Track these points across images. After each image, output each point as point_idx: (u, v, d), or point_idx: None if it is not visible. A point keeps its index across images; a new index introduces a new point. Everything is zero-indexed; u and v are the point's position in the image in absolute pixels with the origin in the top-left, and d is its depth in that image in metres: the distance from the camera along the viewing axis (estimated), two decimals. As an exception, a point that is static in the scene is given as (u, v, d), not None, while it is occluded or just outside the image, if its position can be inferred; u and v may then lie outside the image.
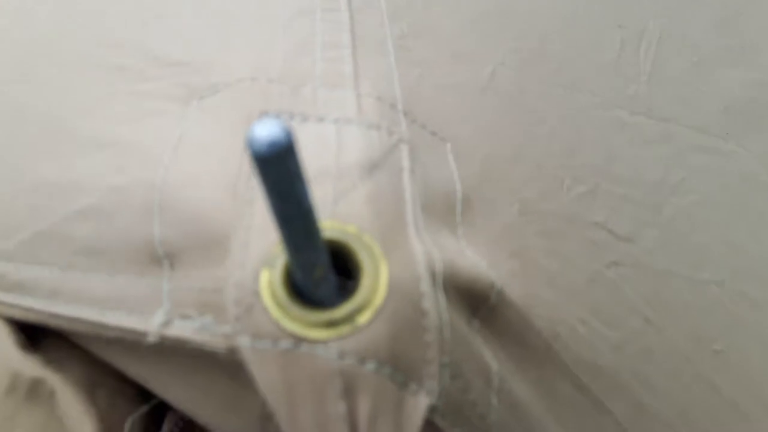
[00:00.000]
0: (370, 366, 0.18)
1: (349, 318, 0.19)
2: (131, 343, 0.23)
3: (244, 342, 0.19)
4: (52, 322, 0.24)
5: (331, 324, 0.19)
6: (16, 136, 0.29)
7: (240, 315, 0.19)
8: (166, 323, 0.21)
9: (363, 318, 0.19)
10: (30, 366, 0.25)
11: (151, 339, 0.21)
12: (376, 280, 0.19)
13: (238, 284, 0.19)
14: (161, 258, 0.22)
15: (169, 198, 0.22)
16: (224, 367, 0.22)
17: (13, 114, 0.29)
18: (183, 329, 0.21)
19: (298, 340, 0.18)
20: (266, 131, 0.15)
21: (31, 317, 0.25)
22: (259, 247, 0.20)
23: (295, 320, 0.19)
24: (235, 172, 0.22)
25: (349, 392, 0.18)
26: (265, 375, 0.19)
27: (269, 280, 0.19)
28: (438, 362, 0.19)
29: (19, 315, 0.25)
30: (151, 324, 0.21)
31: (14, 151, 0.28)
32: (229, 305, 0.19)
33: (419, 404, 0.19)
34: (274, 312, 0.19)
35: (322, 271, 0.18)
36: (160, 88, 0.28)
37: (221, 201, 0.22)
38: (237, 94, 0.26)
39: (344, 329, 0.18)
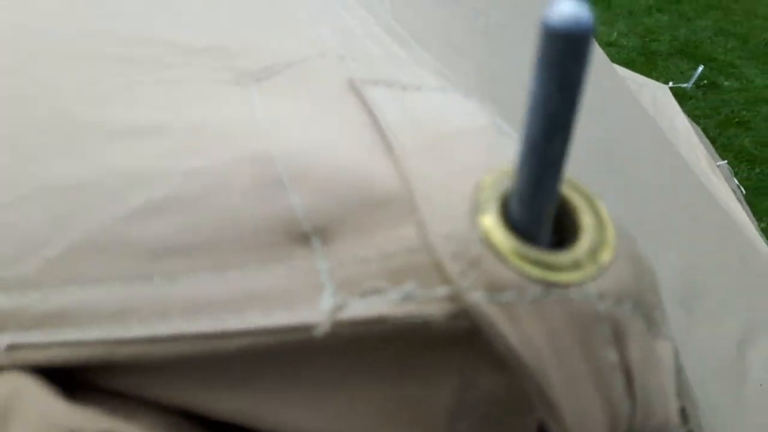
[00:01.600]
0: (627, 307, 0.16)
1: (592, 257, 0.16)
2: (241, 364, 0.18)
3: (478, 298, 0.15)
4: (122, 352, 0.18)
5: (577, 265, 0.16)
6: (17, 136, 0.22)
7: (465, 269, 0.16)
8: (340, 306, 0.17)
9: (605, 256, 0.16)
10: (86, 419, 0.19)
11: (321, 330, 0.17)
12: (599, 218, 0.17)
13: (450, 236, 0.16)
14: (308, 234, 0.18)
15: (300, 167, 0.18)
16: (398, 361, 0.18)
17: (10, 110, 0.23)
18: (371, 307, 0.16)
19: (548, 285, 0.16)
20: (567, 11, 0.13)
21: (76, 355, 0.19)
22: (461, 194, 0.17)
23: (535, 264, 0.16)
24: (369, 136, 0.19)
25: (618, 337, 0.16)
26: (517, 330, 0.15)
27: (488, 226, 0.16)
28: (662, 304, 0.17)
29: (56, 356, 0.19)
30: (316, 312, 0.17)
31: (16, 152, 0.22)
32: (446, 261, 0.16)
33: (668, 348, 0.17)
34: (512, 258, 0.16)
35: (554, 205, 0.16)
36: (193, 74, 0.24)
37: (373, 162, 0.18)
38: (308, 71, 0.23)
39: (590, 269, 0.16)
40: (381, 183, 0.18)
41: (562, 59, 0.13)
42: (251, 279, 0.18)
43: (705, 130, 2.01)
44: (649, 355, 0.16)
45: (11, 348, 0.19)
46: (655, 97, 1.70)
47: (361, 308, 0.17)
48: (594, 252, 0.16)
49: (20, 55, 0.25)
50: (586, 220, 0.17)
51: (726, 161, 1.63)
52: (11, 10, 0.28)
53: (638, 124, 0.85)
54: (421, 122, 0.19)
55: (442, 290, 0.16)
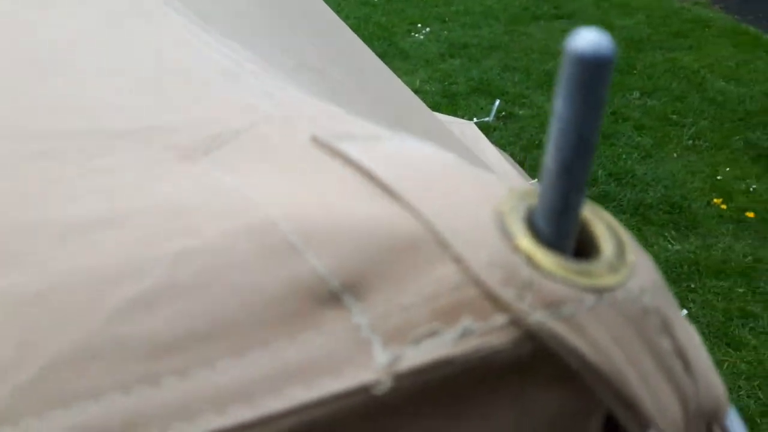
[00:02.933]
0: (662, 295, 0.17)
1: (621, 259, 0.17)
2: None
3: (541, 318, 0.16)
4: None
5: (613, 268, 0.17)
6: None
7: (519, 293, 0.16)
8: (397, 357, 0.16)
9: (630, 256, 0.17)
10: None
11: (382, 387, 0.16)
12: (608, 225, 0.18)
13: (493, 264, 0.16)
14: (337, 292, 0.17)
15: (309, 227, 0.17)
16: (454, 404, 0.17)
17: None
18: (431, 351, 0.16)
19: (598, 291, 0.16)
20: (592, 38, 0.14)
21: None
22: (485, 223, 0.17)
23: (580, 275, 0.16)
24: (363, 187, 0.19)
25: (666, 325, 0.16)
26: (586, 340, 0.16)
27: (527, 247, 0.16)
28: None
29: None
30: (371, 370, 0.16)
31: None
32: (497, 289, 0.16)
33: (692, 326, 0.18)
34: (561, 273, 0.16)
35: (579, 219, 0.17)
36: (129, 159, 0.22)
37: (382, 210, 0.18)
38: (261, 135, 0.22)
39: (624, 270, 0.17)
40: (400, 228, 0.17)
41: (590, 82, 0.14)
42: (282, 354, 0.16)
43: (512, 155, 2.20)
44: (692, 335, 0.17)
45: None
46: (464, 133, 1.83)
47: (420, 355, 0.16)
48: (620, 255, 0.17)
49: None
50: (599, 228, 0.18)
51: (536, 180, 1.80)
52: None
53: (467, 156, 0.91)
54: (406, 167, 0.19)
55: (500, 318, 0.16)
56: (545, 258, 0.16)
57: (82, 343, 0.17)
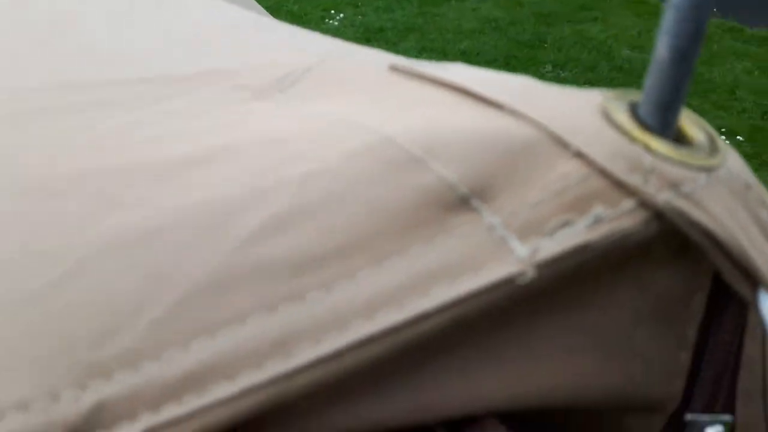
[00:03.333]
0: (750, 173, 0.19)
1: (714, 145, 0.19)
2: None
3: (667, 198, 0.17)
4: (297, 384, 0.16)
5: (713, 151, 0.18)
6: (44, 204, 0.18)
7: (644, 178, 0.17)
8: (535, 249, 0.17)
9: (719, 144, 0.19)
10: None
11: (527, 277, 0.17)
12: (692, 117, 0.19)
13: (615, 155, 0.17)
14: (467, 197, 0.17)
15: (429, 140, 0.18)
16: (577, 293, 0.18)
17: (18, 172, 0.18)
18: (566, 240, 0.17)
19: (708, 170, 0.18)
20: None
21: (237, 411, 0.16)
22: (594, 120, 0.18)
23: (692, 158, 0.18)
24: (462, 101, 0.20)
25: (763, 200, 0.18)
26: (706, 214, 0.17)
27: (642, 137, 0.18)
28: None
29: (210, 423, 0.16)
30: (513, 261, 0.17)
31: (53, 219, 0.18)
32: (624, 177, 0.17)
33: None
34: (676, 157, 0.17)
35: (682, 105, 0.18)
36: (202, 99, 0.22)
37: (491, 119, 0.19)
38: (334, 70, 0.22)
39: (720, 154, 0.18)
40: (516, 133, 0.18)
41: None
42: (420, 259, 0.17)
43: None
44: None
45: None
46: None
47: (556, 245, 0.17)
48: (712, 142, 0.19)
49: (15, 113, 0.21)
50: (688, 120, 0.19)
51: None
52: None
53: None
54: (494, 83, 0.20)
55: (629, 203, 0.17)
56: (660, 145, 0.17)
57: (217, 271, 0.17)
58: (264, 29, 0.28)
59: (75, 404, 0.16)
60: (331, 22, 3.22)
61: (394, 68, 0.22)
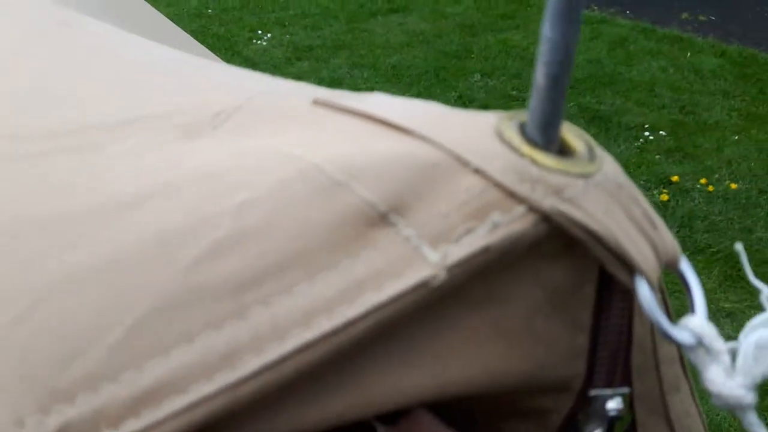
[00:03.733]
0: (624, 175, 0.22)
1: (592, 153, 0.22)
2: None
3: (552, 202, 0.20)
4: (244, 392, 0.19)
5: (591, 159, 0.21)
6: (7, 244, 0.20)
7: (532, 187, 0.20)
8: (444, 255, 0.19)
9: (598, 152, 0.22)
10: None
11: (438, 279, 0.19)
12: (573, 129, 0.23)
13: (507, 170, 0.20)
14: (385, 213, 0.20)
15: (349, 166, 0.20)
16: (480, 291, 0.21)
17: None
18: (470, 245, 0.19)
19: (586, 177, 0.21)
20: None
21: (191, 420, 0.18)
22: (491, 141, 0.21)
23: (571, 167, 0.21)
24: (377, 130, 0.22)
25: (633, 197, 0.21)
26: (586, 214, 0.20)
27: (530, 153, 0.21)
28: None
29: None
30: (426, 266, 0.19)
31: (14, 257, 0.20)
32: (515, 187, 0.20)
33: None
34: (557, 167, 0.20)
35: (562, 123, 0.21)
36: (141, 141, 0.24)
37: (402, 145, 0.21)
38: (262, 106, 0.25)
39: (597, 161, 0.21)
40: (424, 156, 0.21)
41: (572, 7, 0.19)
42: (350, 271, 0.19)
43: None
44: (645, 199, 0.22)
45: None
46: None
47: (462, 249, 0.20)
48: (591, 151, 0.22)
49: None
50: (569, 133, 0.22)
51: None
52: None
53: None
54: (406, 110, 0.23)
55: (520, 209, 0.20)
56: (543, 158, 0.20)
57: (166, 297, 0.19)
58: (194, 68, 0.30)
59: (40, 427, 0.17)
60: (259, 42, 3.23)
61: (317, 102, 0.24)
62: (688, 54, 3.10)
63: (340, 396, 0.20)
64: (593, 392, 0.24)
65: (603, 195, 0.21)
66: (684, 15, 3.47)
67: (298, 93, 0.26)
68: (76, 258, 0.20)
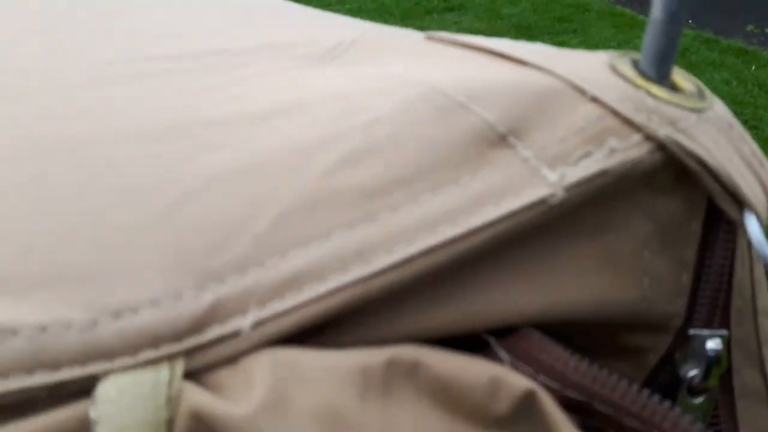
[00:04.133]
0: (731, 115, 0.23)
1: (702, 93, 0.23)
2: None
3: (667, 132, 0.21)
4: (375, 286, 0.20)
5: (700, 97, 0.22)
6: (156, 143, 0.22)
7: (648, 117, 0.21)
8: (563, 175, 0.21)
9: (706, 92, 0.23)
10: (365, 355, 0.20)
11: (556, 198, 0.21)
12: (682, 71, 0.24)
13: (624, 99, 0.21)
14: (505, 135, 0.21)
15: (471, 90, 0.22)
16: (595, 218, 0.22)
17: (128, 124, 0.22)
18: (588, 167, 0.21)
19: (698, 111, 0.22)
20: None
21: (326, 307, 0.20)
22: (605, 71, 0.22)
23: (680, 100, 0.22)
24: (492, 60, 0.24)
25: (743, 137, 0.23)
26: (699, 145, 0.21)
27: (645, 85, 0.22)
28: None
29: (305, 316, 0.20)
30: (544, 186, 0.21)
31: (165, 157, 0.22)
32: (633, 115, 0.21)
33: None
34: (672, 100, 0.22)
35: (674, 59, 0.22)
36: (266, 67, 0.26)
37: (519, 73, 0.23)
38: (377, 40, 0.26)
39: (707, 100, 0.23)
40: (542, 83, 0.22)
41: None
42: (470, 186, 0.21)
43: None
44: (752, 141, 0.23)
45: (256, 325, 0.19)
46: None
47: (580, 171, 0.21)
48: (700, 91, 0.23)
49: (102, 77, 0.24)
50: (678, 74, 0.23)
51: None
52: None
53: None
54: (516, 47, 0.24)
55: (636, 137, 0.21)
56: (658, 91, 0.22)
57: (304, 195, 0.21)
58: (303, 11, 0.32)
59: (196, 301, 0.19)
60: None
61: (431, 37, 0.26)
62: (753, 67, 3.03)
63: (453, 306, 0.22)
64: (692, 332, 0.24)
65: (714, 130, 0.22)
66: (750, 27, 3.39)
67: (407, 32, 0.28)
68: (221, 158, 0.22)
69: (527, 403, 0.21)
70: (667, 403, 0.21)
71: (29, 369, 0.18)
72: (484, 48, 0.24)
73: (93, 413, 0.17)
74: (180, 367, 0.19)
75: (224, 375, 0.19)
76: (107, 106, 0.23)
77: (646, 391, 0.21)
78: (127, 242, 0.20)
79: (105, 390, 0.18)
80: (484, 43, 0.24)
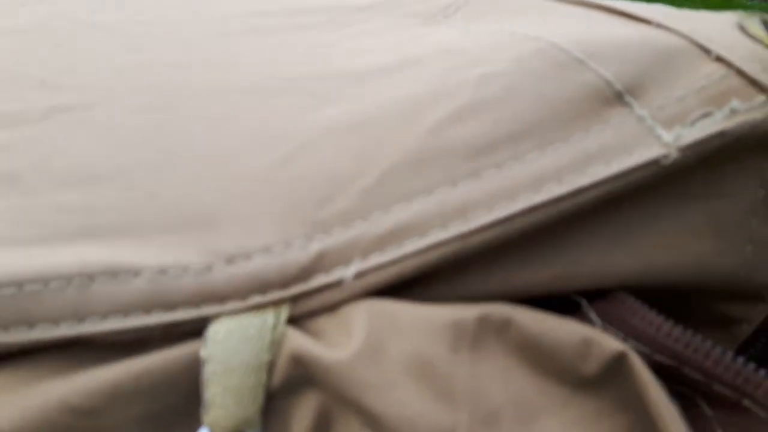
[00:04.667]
0: None
1: None
2: None
3: None
4: (474, 242, 0.20)
5: None
6: (266, 96, 0.23)
7: None
8: (679, 136, 0.20)
9: None
10: (458, 309, 0.20)
11: (670, 158, 0.20)
12: None
13: (750, 58, 0.20)
14: (621, 93, 0.21)
15: (589, 46, 0.21)
16: (704, 182, 0.21)
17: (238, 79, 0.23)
18: (705, 128, 0.20)
19: None
20: None
21: (426, 260, 0.20)
22: (732, 31, 0.21)
23: None
24: (612, 18, 0.23)
25: None
26: None
27: None
28: None
29: (404, 269, 0.20)
30: (658, 146, 0.20)
31: (277, 110, 0.22)
32: (758, 76, 0.20)
33: None
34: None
35: None
36: (379, 24, 0.26)
37: (641, 30, 0.22)
38: (489, 4, 0.26)
39: None
40: (664, 41, 0.21)
41: None
42: (580, 144, 0.20)
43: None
44: None
45: (358, 275, 0.20)
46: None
47: (696, 132, 0.20)
48: None
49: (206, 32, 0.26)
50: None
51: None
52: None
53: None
54: (634, 6, 0.23)
55: (761, 98, 0.20)
56: None
57: (411, 151, 0.21)
58: None
59: (304, 250, 0.20)
60: None
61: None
62: None
63: (549, 265, 0.22)
64: None
65: None
66: None
67: None
68: (333, 113, 0.22)
69: (617, 365, 0.20)
70: (762, 372, 0.20)
71: (147, 308, 0.19)
72: (603, 6, 0.23)
73: (203, 353, 0.19)
74: (285, 312, 0.19)
75: (324, 322, 0.20)
76: (228, 59, 0.25)
77: (740, 359, 0.20)
78: (244, 191, 0.21)
79: (215, 331, 0.19)
80: (603, 1, 0.24)
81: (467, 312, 0.20)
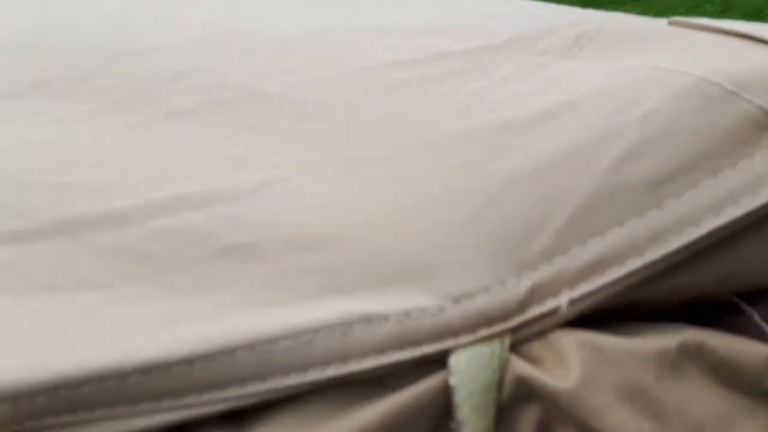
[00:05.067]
0: None
1: None
2: None
3: None
4: (663, 264, 0.22)
5: None
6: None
7: None
8: None
9: None
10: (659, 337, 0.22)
11: None
12: None
13: None
14: None
15: (739, 77, 0.24)
16: None
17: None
18: None
19: None
20: None
21: (624, 287, 0.22)
22: None
23: None
24: (743, 43, 0.25)
25: None
26: None
27: None
28: None
29: (605, 296, 0.22)
30: None
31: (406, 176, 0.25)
32: None
33: None
34: None
35: None
36: (516, 67, 0.28)
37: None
38: (618, 30, 0.28)
39: None
40: None
41: None
42: (749, 168, 0.23)
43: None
44: None
45: (571, 303, 0.22)
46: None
47: None
48: None
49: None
50: None
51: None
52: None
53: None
54: (761, 29, 0.26)
55: None
56: None
57: (594, 191, 0.23)
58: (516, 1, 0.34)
59: (517, 287, 0.22)
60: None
61: (674, 22, 0.28)
62: None
63: (716, 269, 0.24)
64: None
65: None
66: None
67: (646, 19, 0.30)
68: (509, 164, 0.24)
69: None
70: None
71: (400, 346, 0.21)
72: (730, 31, 0.26)
73: (452, 381, 0.21)
74: (507, 341, 0.22)
75: (536, 347, 0.22)
76: (396, 119, 0.26)
77: None
78: (450, 243, 0.23)
79: (456, 362, 0.21)
80: (732, 26, 0.26)
81: (668, 341, 0.22)
